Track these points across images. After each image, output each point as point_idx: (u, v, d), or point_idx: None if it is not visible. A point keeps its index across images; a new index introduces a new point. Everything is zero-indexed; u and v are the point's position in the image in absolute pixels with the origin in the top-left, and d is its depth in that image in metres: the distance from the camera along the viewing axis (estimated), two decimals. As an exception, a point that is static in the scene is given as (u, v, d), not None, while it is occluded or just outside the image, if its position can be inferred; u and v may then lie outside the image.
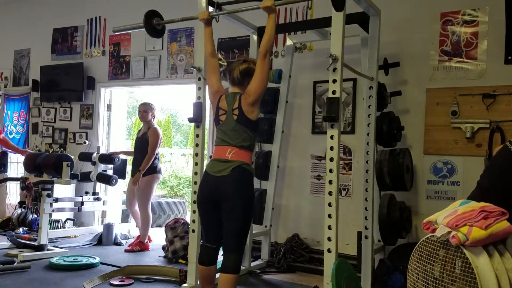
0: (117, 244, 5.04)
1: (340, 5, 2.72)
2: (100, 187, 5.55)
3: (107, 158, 5.15)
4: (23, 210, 5.62)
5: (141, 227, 4.89)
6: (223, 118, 2.85)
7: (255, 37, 4.19)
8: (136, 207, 4.92)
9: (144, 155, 4.77)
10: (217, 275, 2.88)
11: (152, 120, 4.94)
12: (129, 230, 5.60)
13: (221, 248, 2.85)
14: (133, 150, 5.14)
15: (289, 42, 4.47)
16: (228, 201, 2.71)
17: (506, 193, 2.26)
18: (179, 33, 5.49)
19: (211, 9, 3.57)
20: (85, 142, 6.05)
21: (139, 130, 5.08)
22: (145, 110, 4.90)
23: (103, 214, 5.96)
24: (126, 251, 4.77)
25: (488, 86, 3.79)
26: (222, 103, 2.88)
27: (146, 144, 4.80)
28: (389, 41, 4.06)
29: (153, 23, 3.41)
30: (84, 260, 4.15)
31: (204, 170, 2.86)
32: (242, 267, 3.95)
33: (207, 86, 3.11)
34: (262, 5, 2.88)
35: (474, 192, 2.45)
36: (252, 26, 4.14)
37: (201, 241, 2.98)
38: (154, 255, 4.66)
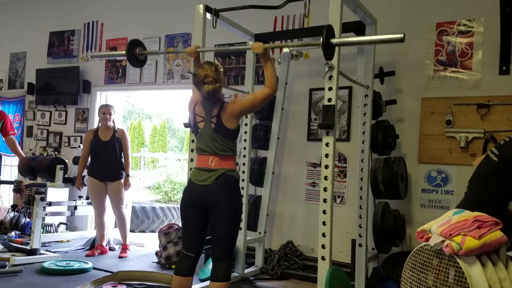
0: (110, 249, 5.01)
1: (330, 56, 2.71)
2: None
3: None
4: (15, 213, 5.58)
5: (122, 229, 4.87)
6: (201, 125, 2.79)
7: (251, 43, 4.19)
8: (106, 212, 4.89)
9: (116, 158, 4.77)
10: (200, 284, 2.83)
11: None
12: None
13: (199, 259, 2.81)
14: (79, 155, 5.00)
15: (285, 49, 4.49)
16: (215, 209, 2.67)
17: (493, 198, 2.29)
18: (176, 38, 5.50)
19: (208, 15, 3.59)
20: (79, 146, 6.02)
21: (96, 134, 4.81)
22: (110, 112, 4.81)
23: (97, 218, 5.93)
24: (119, 257, 4.74)
25: (482, 96, 3.82)
26: (198, 109, 2.82)
27: (116, 147, 4.78)
28: (385, 50, 4.08)
29: (136, 53, 3.26)
30: (77, 265, 4.12)
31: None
32: (236, 274, 3.96)
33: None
34: (253, 50, 2.80)
35: (462, 202, 2.48)
36: (249, 33, 4.15)
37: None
38: (147, 261, 4.64)
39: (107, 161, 4.76)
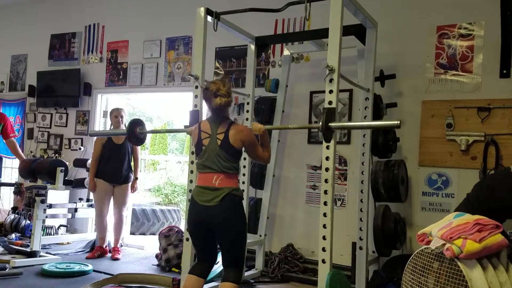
0: (110, 251, 5.01)
1: (329, 138, 2.82)
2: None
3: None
4: (16, 215, 5.58)
5: (118, 231, 4.89)
6: (206, 142, 2.75)
7: (252, 46, 4.21)
8: (108, 215, 4.90)
9: (128, 161, 4.87)
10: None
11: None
12: (122, 237, 5.56)
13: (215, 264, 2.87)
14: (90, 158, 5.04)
15: (286, 52, 4.50)
16: (221, 230, 2.69)
17: (491, 206, 2.28)
18: (177, 41, 5.51)
19: (209, 18, 3.60)
20: (80, 149, 6.03)
21: (109, 137, 4.85)
22: (122, 115, 4.91)
23: (97, 221, 5.93)
24: (114, 258, 4.75)
25: (483, 99, 3.82)
26: (204, 126, 2.80)
27: (129, 150, 4.88)
28: (385, 53, 4.09)
29: (136, 132, 3.41)
30: (77, 267, 4.12)
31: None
32: (236, 277, 3.95)
33: None
34: (254, 131, 2.89)
35: (461, 202, 2.49)
36: (250, 36, 4.16)
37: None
38: (147, 263, 4.63)
39: (119, 163, 4.83)
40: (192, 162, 3.40)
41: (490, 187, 2.41)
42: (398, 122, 2.63)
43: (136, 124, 3.43)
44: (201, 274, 2.81)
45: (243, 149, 2.81)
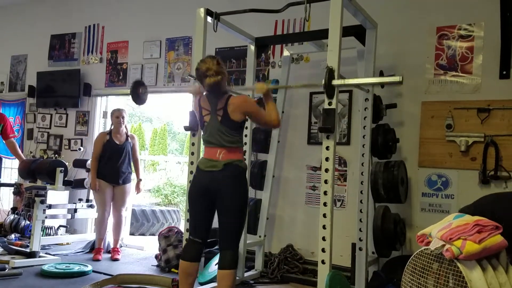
0: (110, 252, 5.01)
1: (331, 94, 2.85)
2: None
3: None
4: (15, 216, 5.58)
5: (118, 232, 4.90)
6: (207, 118, 2.87)
7: (252, 47, 4.21)
8: (109, 216, 4.90)
9: (129, 161, 4.90)
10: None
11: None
12: (122, 238, 5.56)
13: (205, 245, 2.94)
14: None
15: (286, 53, 4.50)
16: (222, 198, 2.74)
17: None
18: (177, 42, 5.51)
19: (209, 19, 3.60)
20: (80, 149, 6.03)
21: (110, 137, 4.86)
22: (123, 116, 4.90)
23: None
24: (114, 259, 4.75)
25: (483, 100, 3.82)
26: (204, 103, 2.89)
27: (129, 151, 4.90)
28: (385, 54, 4.09)
29: (139, 91, 3.42)
30: (76, 268, 4.12)
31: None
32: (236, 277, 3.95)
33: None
34: (257, 92, 2.95)
35: (469, 205, 2.48)
36: (250, 37, 4.16)
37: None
38: (147, 264, 4.63)
39: (120, 164, 4.84)
40: (191, 163, 3.40)
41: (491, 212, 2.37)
42: (400, 78, 2.70)
43: (139, 84, 3.45)
44: (192, 257, 2.84)
45: (246, 118, 2.87)
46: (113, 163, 4.81)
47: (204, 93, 2.94)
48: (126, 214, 5.12)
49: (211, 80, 2.77)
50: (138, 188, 5.01)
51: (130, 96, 3.34)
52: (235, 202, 2.76)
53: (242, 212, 2.82)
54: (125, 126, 4.96)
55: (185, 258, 2.86)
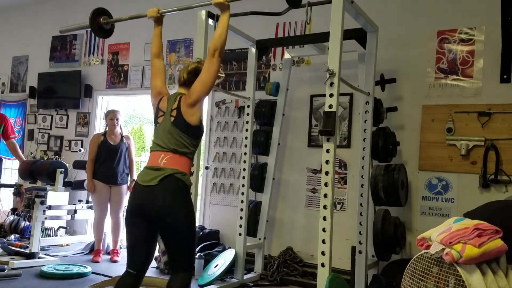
0: (109, 253, 5.00)
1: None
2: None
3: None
4: (15, 217, 5.58)
5: (116, 233, 4.89)
6: (160, 120, 2.47)
7: (253, 49, 4.22)
8: (106, 218, 4.90)
9: (124, 162, 4.86)
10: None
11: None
12: (121, 239, 5.56)
13: (142, 279, 2.42)
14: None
15: (287, 55, 4.50)
16: (161, 220, 2.27)
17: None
18: (178, 44, 5.52)
19: (210, 21, 3.60)
20: (80, 150, 6.03)
21: (104, 138, 4.82)
22: (117, 117, 4.88)
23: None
24: (114, 260, 4.74)
25: (483, 104, 3.82)
26: (163, 104, 2.52)
27: (124, 152, 4.87)
28: (386, 57, 4.10)
29: (100, 22, 3.07)
30: (76, 269, 4.11)
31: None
32: (235, 280, 3.95)
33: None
34: (213, 1, 2.54)
35: (481, 207, 2.46)
36: (251, 39, 4.17)
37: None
38: (147, 266, 4.62)
39: (116, 165, 4.82)
40: (192, 165, 3.40)
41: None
42: None
43: (98, 13, 3.06)
44: None
45: (202, 125, 2.47)
46: (109, 164, 4.79)
47: (166, 95, 2.68)
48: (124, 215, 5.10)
49: (193, 65, 2.59)
50: (130, 189, 4.92)
51: (90, 28, 3.01)
52: (176, 223, 2.27)
53: (189, 233, 2.32)
54: (120, 127, 4.94)
55: None
